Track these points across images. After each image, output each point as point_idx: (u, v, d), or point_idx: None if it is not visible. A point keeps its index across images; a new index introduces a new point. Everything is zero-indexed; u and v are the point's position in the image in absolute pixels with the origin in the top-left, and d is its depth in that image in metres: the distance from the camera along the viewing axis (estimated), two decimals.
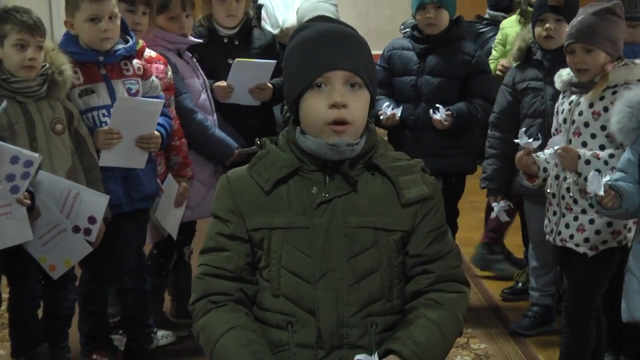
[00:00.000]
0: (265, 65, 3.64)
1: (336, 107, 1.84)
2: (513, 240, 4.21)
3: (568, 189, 2.99)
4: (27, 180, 2.79)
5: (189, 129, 3.46)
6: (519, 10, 4.53)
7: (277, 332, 1.90)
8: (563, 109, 3.06)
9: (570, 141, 2.99)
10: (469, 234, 4.95)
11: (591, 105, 2.95)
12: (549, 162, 3.06)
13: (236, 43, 3.73)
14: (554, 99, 3.37)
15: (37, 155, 2.80)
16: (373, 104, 1.93)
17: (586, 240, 2.97)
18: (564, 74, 3.08)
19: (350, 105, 1.85)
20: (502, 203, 3.68)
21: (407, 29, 3.87)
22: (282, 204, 1.89)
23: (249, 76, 3.62)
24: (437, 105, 3.66)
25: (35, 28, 2.92)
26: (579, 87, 3.02)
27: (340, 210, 1.88)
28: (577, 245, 2.99)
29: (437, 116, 3.64)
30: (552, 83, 3.46)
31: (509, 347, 3.57)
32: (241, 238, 1.92)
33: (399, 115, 3.68)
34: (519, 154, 3.06)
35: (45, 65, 2.96)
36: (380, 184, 1.92)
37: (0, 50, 2.93)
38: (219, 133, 3.58)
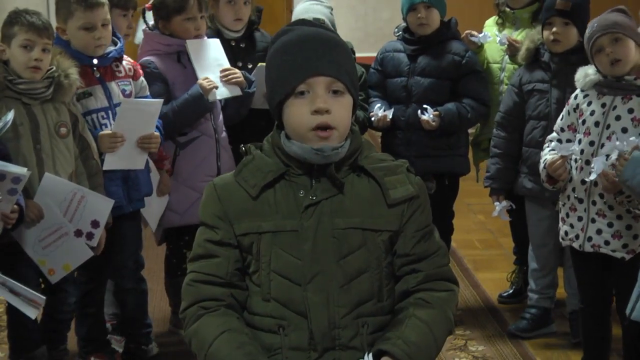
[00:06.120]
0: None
1: (319, 113, 1.86)
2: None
3: (602, 195, 2.97)
4: (14, 196, 2.71)
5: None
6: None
7: (269, 336, 1.91)
8: (593, 110, 3.01)
9: (602, 145, 2.93)
10: (467, 236, 4.96)
11: (631, 111, 2.92)
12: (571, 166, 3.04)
13: (242, 46, 3.73)
14: (559, 102, 3.36)
15: (25, 171, 2.72)
16: (356, 108, 1.95)
17: (624, 246, 2.97)
18: (590, 73, 3.03)
19: (333, 111, 1.87)
20: (504, 203, 3.68)
21: (401, 32, 3.88)
22: (269, 208, 1.91)
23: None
24: (425, 105, 3.66)
25: (42, 30, 2.93)
26: (612, 88, 2.98)
27: (328, 212, 1.89)
28: (613, 251, 2.99)
29: (425, 117, 3.65)
30: (558, 86, 3.46)
31: (506, 350, 3.57)
32: (230, 244, 1.93)
33: (390, 116, 3.69)
34: (557, 160, 3.03)
35: (51, 68, 2.97)
36: (366, 185, 1.93)
37: (7, 51, 2.95)
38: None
